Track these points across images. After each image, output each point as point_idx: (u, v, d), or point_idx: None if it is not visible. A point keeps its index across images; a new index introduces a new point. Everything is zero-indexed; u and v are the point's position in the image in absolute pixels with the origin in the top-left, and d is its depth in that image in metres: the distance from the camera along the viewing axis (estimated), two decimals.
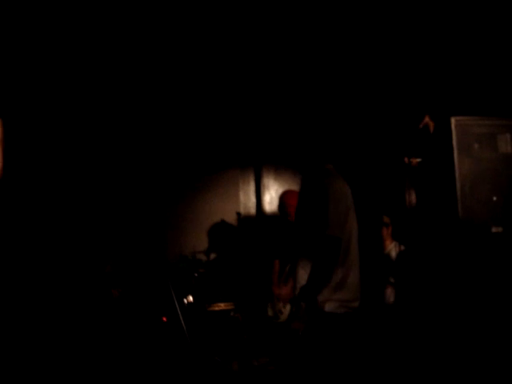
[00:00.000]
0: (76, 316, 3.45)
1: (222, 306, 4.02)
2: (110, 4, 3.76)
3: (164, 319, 3.53)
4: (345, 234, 2.79)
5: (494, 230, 2.99)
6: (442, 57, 3.83)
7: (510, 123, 3.20)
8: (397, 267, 4.19)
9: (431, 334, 3.25)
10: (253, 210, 4.93)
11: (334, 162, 4.67)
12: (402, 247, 4.17)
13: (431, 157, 3.42)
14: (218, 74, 4.61)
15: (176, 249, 4.40)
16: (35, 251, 3.63)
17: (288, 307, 3.57)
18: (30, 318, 3.37)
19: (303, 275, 2.84)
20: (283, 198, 4.17)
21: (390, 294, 4.27)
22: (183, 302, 3.57)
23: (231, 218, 4.69)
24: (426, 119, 3.45)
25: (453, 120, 3.12)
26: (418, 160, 3.64)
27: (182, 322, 3.27)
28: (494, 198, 3.03)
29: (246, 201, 4.92)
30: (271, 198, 5.08)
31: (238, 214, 4.71)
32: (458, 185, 3.02)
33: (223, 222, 4.67)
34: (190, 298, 3.68)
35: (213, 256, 4.60)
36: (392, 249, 4.38)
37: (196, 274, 4.07)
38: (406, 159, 3.63)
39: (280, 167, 5.14)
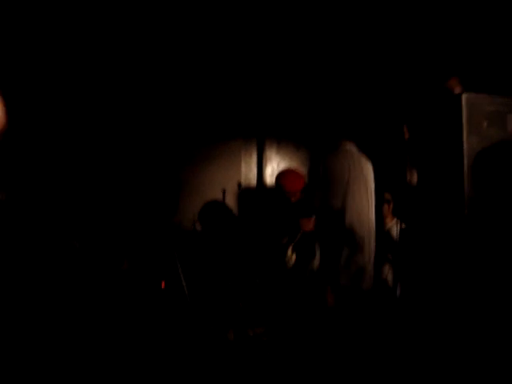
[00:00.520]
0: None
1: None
2: None
3: (163, 285, 3.53)
4: (352, 214, 2.81)
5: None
6: (452, 32, 3.76)
7: None
8: (397, 245, 4.17)
9: (430, 313, 3.25)
10: (254, 181, 4.91)
11: (335, 138, 4.64)
12: (403, 225, 4.15)
13: (437, 133, 3.37)
14: (223, 43, 4.53)
15: (176, 217, 4.38)
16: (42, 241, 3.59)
17: (294, 255, 3.60)
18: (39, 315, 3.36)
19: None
20: (281, 182, 4.08)
21: (387, 272, 4.27)
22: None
23: (232, 189, 4.67)
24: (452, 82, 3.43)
25: (463, 97, 3.07)
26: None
27: (185, 287, 3.26)
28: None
29: (248, 172, 4.89)
30: (273, 170, 5.05)
31: (239, 184, 4.69)
32: (466, 163, 2.98)
33: (224, 192, 4.64)
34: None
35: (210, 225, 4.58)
36: (393, 226, 4.36)
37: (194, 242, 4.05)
38: (405, 130, 3.58)
39: (282, 141, 5.10)
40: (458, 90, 3.48)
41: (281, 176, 4.20)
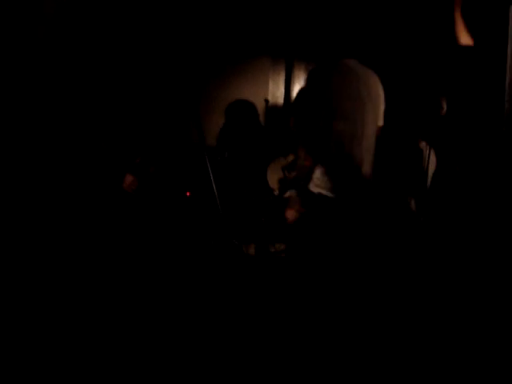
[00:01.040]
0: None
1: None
2: None
3: (188, 194, 3.52)
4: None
5: None
6: None
7: None
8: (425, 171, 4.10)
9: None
10: (281, 99, 4.82)
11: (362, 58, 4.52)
12: (432, 150, 4.06)
13: (478, 50, 3.23)
14: None
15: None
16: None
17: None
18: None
19: None
20: None
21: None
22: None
23: (259, 105, 4.60)
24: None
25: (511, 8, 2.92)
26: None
27: (217, 197, 3.22)
28: None
29: (275, 90, 4.79)
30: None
31: (266, 101, 4.60)
32: (508, 76, 2.87)
33: (251, 106, 4.57)
34: None
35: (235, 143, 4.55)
36: (423, 148, 4.27)
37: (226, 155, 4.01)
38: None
39: (311, 63, 4.97)
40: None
41: None
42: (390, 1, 4.34)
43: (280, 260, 3.83)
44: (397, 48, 4.48)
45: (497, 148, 2.93)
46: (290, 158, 3.90)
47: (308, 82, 3.23)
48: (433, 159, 4.17)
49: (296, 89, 4.86)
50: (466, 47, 3.27)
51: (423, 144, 4.31)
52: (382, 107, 3.15)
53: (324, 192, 3.12)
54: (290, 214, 3.27)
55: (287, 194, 3.50)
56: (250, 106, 4.43)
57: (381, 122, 3.30)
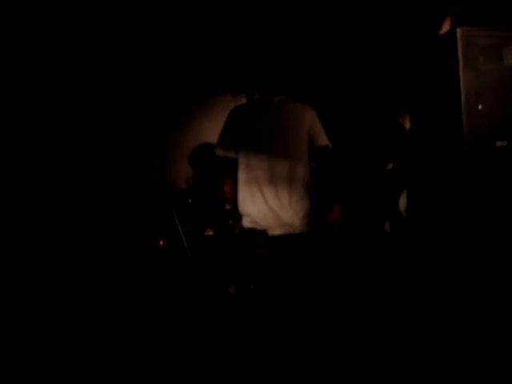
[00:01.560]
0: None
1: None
2: None
3: (161, 243, 3.48)
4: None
5: (498, 143, 2.92)
6: None
7: None
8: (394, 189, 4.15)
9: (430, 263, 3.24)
10: None
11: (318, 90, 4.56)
12: (400, 169, 4.12)
13: (432, 71, 3.30)
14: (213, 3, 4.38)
15: (169, 177, 4.30)
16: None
17: None
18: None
19: None
20: None
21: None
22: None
23: None
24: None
25: (458, 31, 2.99)
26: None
27: (185, 243, 3.22)
28: (499, 112, 2.95)
29: None
30: None
31: None
32: (463, 98, 2.92)
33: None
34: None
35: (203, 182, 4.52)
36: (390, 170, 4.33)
37: (190, 201, 4.00)
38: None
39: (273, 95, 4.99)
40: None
41: None
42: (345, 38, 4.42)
43: (262, 297, 3.81)
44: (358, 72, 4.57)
45: (459, 167, 2.97)
46: None
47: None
48: (401, 180, 4.23)
49: None
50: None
51: (390, 166, 4.37)
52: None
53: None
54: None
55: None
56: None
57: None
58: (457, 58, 2.95)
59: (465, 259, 2.95)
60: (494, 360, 2.67)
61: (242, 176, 3.16)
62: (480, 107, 2.93)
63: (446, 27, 3.69)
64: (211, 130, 4.64)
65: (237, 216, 3.13)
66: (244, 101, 4.89)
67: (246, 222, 3.12)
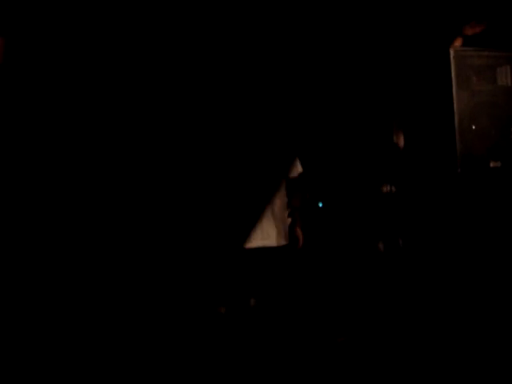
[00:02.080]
0: None
1: None
2: None
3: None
4: None
5: (492, 164, 2.90)
6: None
7: (510, 55, 3.08)
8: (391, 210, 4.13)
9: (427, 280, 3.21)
10: None
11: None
12: (394, 188, 4.09)
13: (426, 91, 3.29)
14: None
15: None
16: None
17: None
18: None
19: None
20: None
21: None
22: None
23: None
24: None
25: (451, 51, 2.99)
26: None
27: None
28: (493, 132, 2.94)
29: None
30: None
31: None
32: (457, 118, 2.91)
33: None
34: None
35: None
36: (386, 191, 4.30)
37: None
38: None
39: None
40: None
41: None
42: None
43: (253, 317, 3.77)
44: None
45: (453, 188, 2.95)
46: None
47: None
48: (396, 200, 4.20)
49: None
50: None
51: (387, 187, 4.34)
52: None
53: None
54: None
55: None
56: None
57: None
58: (450, 77, 2.94)
59: (459, 278, 2.93)
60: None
61: None
62: (474, 127, 2.91)
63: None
64: None
65: None
66: None
67: None
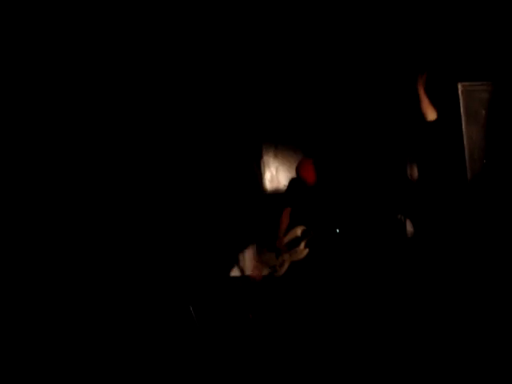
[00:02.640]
0: None
1: None
2: None
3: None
4: None
5: (504, 196, 2.92)
6: (445, 21, 3.72)
7: None
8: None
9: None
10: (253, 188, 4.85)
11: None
12: (408, 221, 4.11)
13: (437, 124, 3.34)
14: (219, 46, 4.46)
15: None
16: None
17: (287, 263, 3.65)
18: None
19: None
20: (299, 171, 4.05)
21: None
22: None
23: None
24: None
25: (459, 86, 3.05)
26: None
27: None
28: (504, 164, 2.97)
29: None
30: (272, 175, 5.00)
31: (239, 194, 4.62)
32: (467, 151, 2.95)
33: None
34: None
35: None
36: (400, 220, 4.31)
37: None
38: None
39: (280, 144, 5.04)
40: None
41: (300, 164, 4.16)
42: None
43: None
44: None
45: (464, 213, 2.98)
46: None
47: None
48: (410, 229, 4.21)
49: (267, 175, 4.91)
50: (430, 123, 3.41)
51: (400, 216, 4.36)
52: None
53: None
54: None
55: None
56: None
57: None
58: (459, 112, 3.00)
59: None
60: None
61: None
62: (485, 161, 2.95)
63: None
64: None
65: None
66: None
67: None
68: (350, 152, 4.87)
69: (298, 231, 3.73)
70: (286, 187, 4.38)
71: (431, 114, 3.16)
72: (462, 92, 3.03)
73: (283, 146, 4.96)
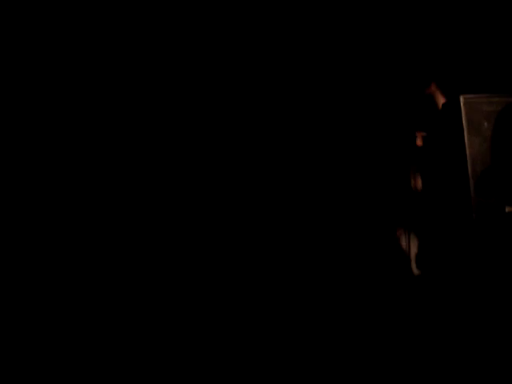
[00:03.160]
0: None
1: None
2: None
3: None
4: None
5: (507, 209, 2.90)
6: (448, 32, 3.73)
7: None
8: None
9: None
10: None
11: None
12: (412, 233, 4.09)
13: (439, 137, 3.33)
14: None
15: None
16: None
17: None
18: None
19: None
20: None
21: None
22: None
23: None
24: (433, 88, 3.38)
25: (461, 98, 3.04)
26: (423, 134, 3.56)
27: None
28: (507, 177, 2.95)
29: None
30: None
31: None
32: (469, 164, 2.93)
33: None
34: None
35: None
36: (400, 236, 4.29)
37: None
38: (418, 137, 3.55)
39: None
40: (439, 97, 3.44)
41: None
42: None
43: None
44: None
45: (468, 234, 2.96)
46: None
47: None
48: (415, 242, 4.19)
49: None
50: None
51: (400, 231, 4.34)
52: None
53: None
54: None
55: None
56: None
57: None
58: (461, 124, 2.98)
59: (473, 322, 2.90)
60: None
61: None
62: (488, 174, 2.93)
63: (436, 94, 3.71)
64: None
65: None
66: None
67: None
68: (355, 166, 4.85)
69: None
70: None
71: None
72: (465, 104, 3.02)
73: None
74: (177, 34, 4.13)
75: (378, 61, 4.06)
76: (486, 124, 3.05)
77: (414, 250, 4.12)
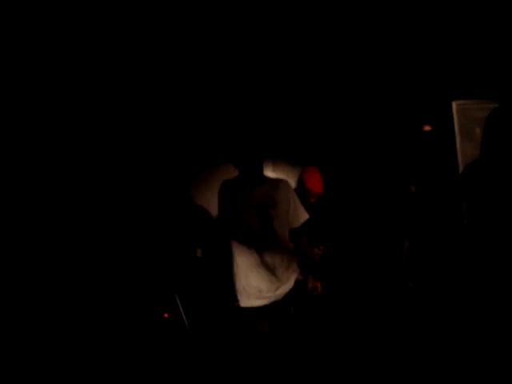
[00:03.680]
0: None
1: None
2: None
3: (165, 315, 3.47)
4: None
5: (497, 214, 2.92)
6: (441, 40, 3.74)
7: None
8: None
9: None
10: None
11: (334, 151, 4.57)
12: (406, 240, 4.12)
13: (432, 142, 3.35)
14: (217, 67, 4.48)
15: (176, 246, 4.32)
16: None
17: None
18: None
19: None
20: (304, 179, 3.78)
21: None
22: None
23: None
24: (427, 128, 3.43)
25: (454, 104, 3.06)
26: (428, 129, 3.59)
27: (185, 320, 3.23)
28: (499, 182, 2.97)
29: None
30: None
31: None
32: (461, 169, 2.96)
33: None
34: None
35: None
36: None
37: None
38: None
39: (278, 159, 5.04)
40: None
41: (305, 173, 3.91)
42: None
43: None
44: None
45: (459, 239, 2.98)
46: None
47: None
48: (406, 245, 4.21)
49: None
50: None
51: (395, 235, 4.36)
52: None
53: None
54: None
55: None
56: None
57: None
58: (453, 130, 3.01)
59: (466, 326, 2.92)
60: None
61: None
62: (479, 180, 2.95)
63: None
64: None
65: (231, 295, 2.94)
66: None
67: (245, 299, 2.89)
68: (352, 162, 4.85)
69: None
70: None
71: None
72: (457, 110, 3.04)
73: (281, 160, 4.96)
74: (177, 34, 4.15)
75: (379, 64, 4.08)
76: (478, 130, 3.07)
77: (407, 254, 4.15)
